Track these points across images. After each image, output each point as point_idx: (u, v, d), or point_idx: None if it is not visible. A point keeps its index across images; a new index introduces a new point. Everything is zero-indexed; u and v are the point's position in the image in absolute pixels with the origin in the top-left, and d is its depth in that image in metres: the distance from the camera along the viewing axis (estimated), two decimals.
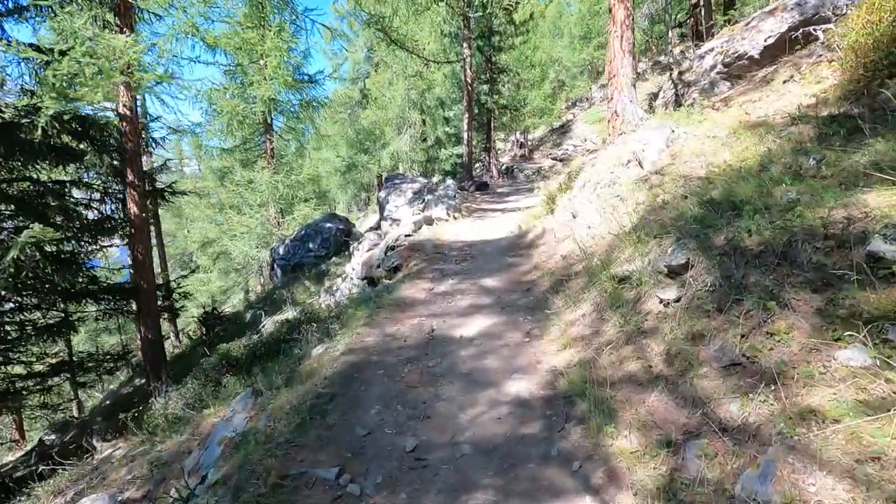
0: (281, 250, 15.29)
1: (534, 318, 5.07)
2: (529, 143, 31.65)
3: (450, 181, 13.95)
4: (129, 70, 7.21)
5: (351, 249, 11.64)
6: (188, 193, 19.63)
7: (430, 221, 10.40)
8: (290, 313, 10.31)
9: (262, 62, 18.10)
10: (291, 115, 20.81)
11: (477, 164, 23.48)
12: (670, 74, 12.77)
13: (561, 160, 13.99)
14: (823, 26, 7.09)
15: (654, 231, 4.50)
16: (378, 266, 8.93)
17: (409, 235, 9.41)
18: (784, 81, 6.47)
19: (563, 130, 31.43)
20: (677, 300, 3.66)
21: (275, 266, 15.40)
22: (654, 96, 18.72)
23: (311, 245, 14.65)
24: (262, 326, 10.43)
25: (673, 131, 6.39)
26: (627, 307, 4.00)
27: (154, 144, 13.15)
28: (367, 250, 10.30)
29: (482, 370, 3.98)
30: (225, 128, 17.51)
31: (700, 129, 6.28)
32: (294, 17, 18.49)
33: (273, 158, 18.71)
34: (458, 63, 18.14)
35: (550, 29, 33.54)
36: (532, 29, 19.27)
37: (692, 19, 21.12)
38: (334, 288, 10.52)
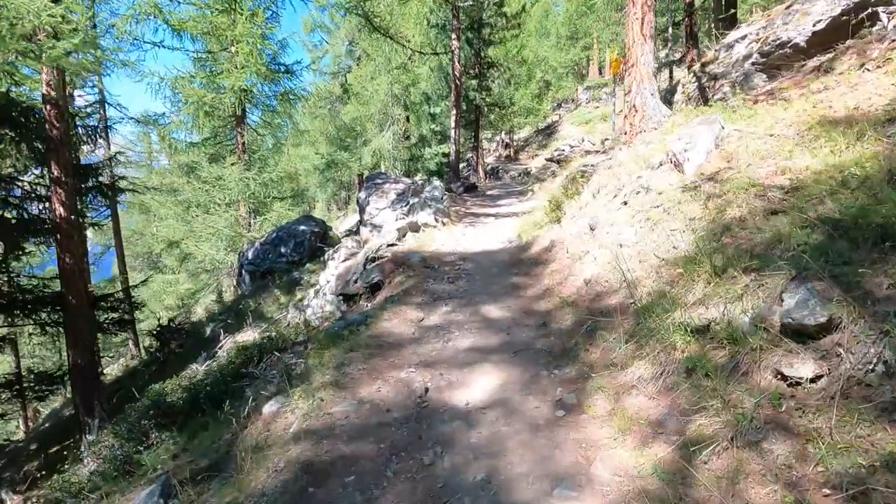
0: (250, 254, 13.64)
1: (561, 372, 3.68)
2: (515, 143, 30.41)
3: (436, 182, 12.51)
4: (38, 38, 5.57)
5: (325, 258, 10.12)
6: (142, 190, 17.80)
7: (415, 228, 8.95)
8: (251, 333, 8.75)
9: (233, 49, 16.39)
10: (267, 108, 19.15)
11: (461, 164, 22.08)
12: (669, 67, 11.59)
13: (556, 161, 12.72)
14: (890, 8, 5.89)
15: (741, 260, 3.15)
16: (355, 281, 7.45)
17: (392, 245, 7.95)
18: (856, 70, 5.22)
19: (549, 131, 30.27)
20: (815, 380, 2.31)
21: (243, 272, 13.75)
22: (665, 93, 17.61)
23: (282, 249, 13.05)
24: (220, 347, 8.83)
25: (723, 128, 5.07)
26: (720, 378, 2.64)
27: (93, 134, 11.29)
28: (344, 260, 8.81)
29: (506, 476, 2.56)
30: (191, 119, 15.73)
31: (756, 127, 4.97)
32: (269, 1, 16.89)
33: (244, 153, 16.98)
34: (446, 56, 16.69)
35: (537, 28, 32.29)
36: (523, 23, 17.93)
37: (687, 19, 20.09)
38: (305, 302, 8.99)
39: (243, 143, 17.24)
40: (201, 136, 18.07)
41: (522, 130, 31.92)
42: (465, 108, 16.97)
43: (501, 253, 7.60)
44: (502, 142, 30.40)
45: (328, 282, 8.62)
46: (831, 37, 6.25)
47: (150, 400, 5.21)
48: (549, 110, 31.10)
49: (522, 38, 21.01)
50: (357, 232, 11.37)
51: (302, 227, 13.24)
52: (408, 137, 23.09)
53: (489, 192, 14.24)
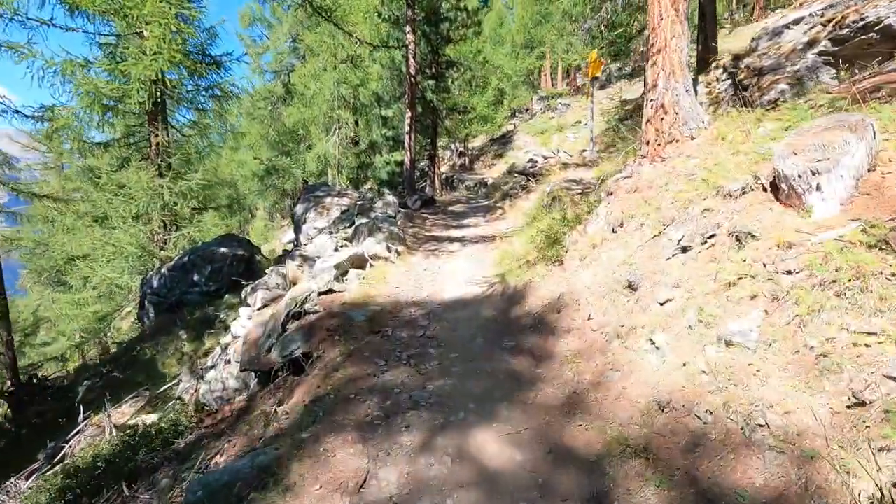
0: (155, 282, 10.60)
1: None
2: (469, 152, 28.36)
3: (389, 197, 10.06)
4: None
5: (243, 296, 7.37)
6: (29, 198, 14.32)
7: (361, 263, 6.46)
8: (123, 414, 5.95)
9: (145, 33, 13.23)
10: (193, 106, 15.99)
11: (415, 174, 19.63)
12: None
13: (529, 174, 10.60)
14: None
15: None
16: (269, 349, 4.87)
17: (326, 292, 5.41)
18: None
19: (505, 140, 28.45)
20: None
21: (146, 303, 10.67)
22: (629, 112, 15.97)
23: (195, 277, 10.13)
24: (76, 433, 5.92)
25: (875, 135, 2.97)
26: None
27: None
28: (261, 307, 6.16)
29: None
30: (85, 113, 12.42)
31: None
32: None
33: (158, 157, 13.78)
34: (400, 51, 14.26)
35: (491, 35, 30.47)
36: (483, 21, 15.81)
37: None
38: (208, 365, 6.27)
39: (158, 145, 14.02)
40: (106, 134, 14.71)
41: (477, 139, 29.96)
42: (420, 111, 14.59)
43: (482, 305, 5.26)
44: (457, 150, 28.27)
45: (237, 338, 5.97)
46: None
47: None
48: (503, 119, 29.28)
49: (479, 42, 18.98)
50: (284, 261, 8.59)
51: (222, 250, 10.36)
52: (357, 143, 20.43)
53: (451, 208, 11.91)
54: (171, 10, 12.33)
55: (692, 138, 4.95)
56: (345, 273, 6.18)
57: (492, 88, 24.14)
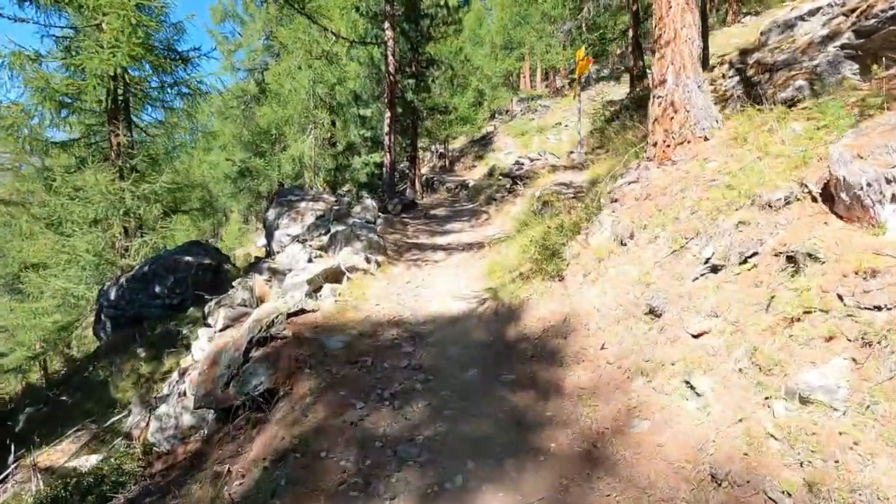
0: (112, 294, 9.63)
1: None
2: (450, 153, 27.77)
3: (368, 201, 9.35)
4: None
5: (206, 311, 6.55)
6: None
7: (337, 276, 5.76)
8: (62, 451, 5.12)
9: (104, 25, 12.22)
10: (159, 104, 14.96)
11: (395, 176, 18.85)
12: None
13: (516, 177, 10.00)
14: None
15: None
16: (227, 382, 4.14)
17: (296, 313, 4.70)
18: None
19: (485, 142, 27.96)
20: None
21: (102, 317, 9.70)
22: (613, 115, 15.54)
23: (157, 289, 9.21)
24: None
25: None
26: None
27: None
28: (223, 328, 5.39)
29: None
30: (35, 109, 11.34)
31: None
32: None
33: (119, 158, 12.75)
34: (378, 49, 13.54)
35: (471, 36, 29.93)
36: (464, 18, 15.22)
37: (632, 29, 18.35)
38: (164, 394, 5.47)
39: (119, 145, 12.97)
40: (65, 133, 13.62)
41: (457, 140, 29.38)
42: (400, 111, 13.88)
43: (472, 324, 4.63)
44: (437, 152, 27.66)
45: (196, 363, 5.20)
46: None
47: None
48: (484, 120, 28.78)
49: (459, 41, 18.38)
50: (250, 274, 7.70)
51: (186, 259, 9.46)
52: (334, 144, 19.57)
53: (433, 212, 11.22)
54: (131, 1, 11.35)
55: (706, 139, 4.42)
56: (318, 289, 5.47)
57: (472, 89, 23.58)
